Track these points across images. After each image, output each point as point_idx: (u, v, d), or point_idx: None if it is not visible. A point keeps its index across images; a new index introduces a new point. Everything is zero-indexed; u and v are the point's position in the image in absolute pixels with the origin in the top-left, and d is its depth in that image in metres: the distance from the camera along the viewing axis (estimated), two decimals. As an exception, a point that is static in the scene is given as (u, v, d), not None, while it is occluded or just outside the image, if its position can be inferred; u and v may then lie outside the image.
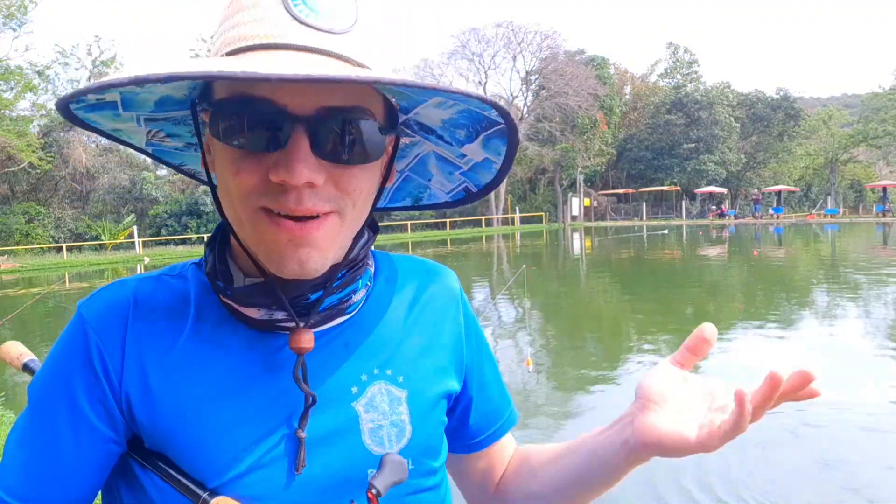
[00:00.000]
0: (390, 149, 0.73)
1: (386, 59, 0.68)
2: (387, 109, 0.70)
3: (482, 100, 0.63)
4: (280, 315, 0.69)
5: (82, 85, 0.59)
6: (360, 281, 0.74)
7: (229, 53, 0.63)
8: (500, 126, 0.69)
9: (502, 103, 0.78)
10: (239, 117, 0.61)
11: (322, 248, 0.64)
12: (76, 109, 0.66)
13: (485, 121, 0.70)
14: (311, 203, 0.62)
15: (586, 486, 0.80)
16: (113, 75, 0.53)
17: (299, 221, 0.62)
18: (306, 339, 0.67)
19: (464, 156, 0.77)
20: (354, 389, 0.72)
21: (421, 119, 0.75)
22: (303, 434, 0.67)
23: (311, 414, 0.68)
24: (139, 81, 0.52)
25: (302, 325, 0.68)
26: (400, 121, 0.74)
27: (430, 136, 0.77)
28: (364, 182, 0.66)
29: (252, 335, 0.71)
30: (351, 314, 0.75)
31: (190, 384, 0.69)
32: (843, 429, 4.93)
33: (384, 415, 0.72)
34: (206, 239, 0.76)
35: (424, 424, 0.75)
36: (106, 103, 0.67)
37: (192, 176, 0.87)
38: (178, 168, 0.86)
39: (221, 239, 0.74)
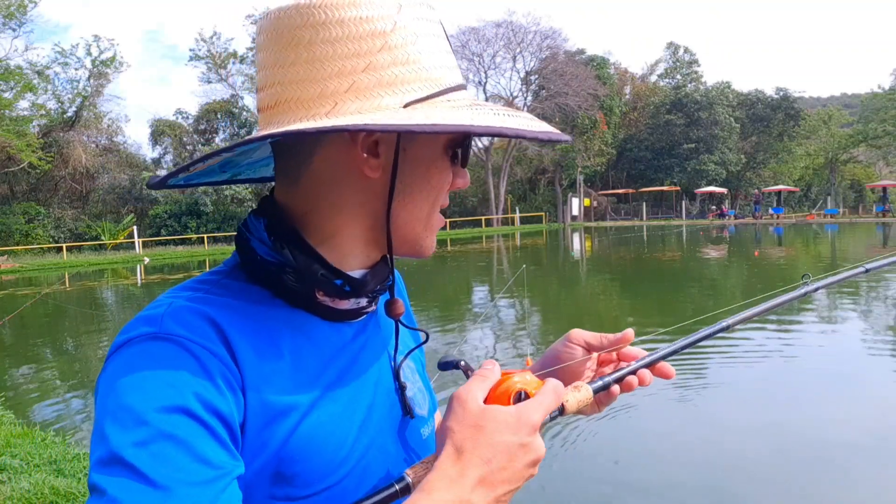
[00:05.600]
0: None
1: None
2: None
3: (568, 142, 0.74)
4: (364, 302, 0.76)
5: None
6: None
7: (429, 96, 0.68)
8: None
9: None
10: (466, 143, 0.75)
11: None
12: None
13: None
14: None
15: None
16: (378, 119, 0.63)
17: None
18: (401, 305, 0.79)
19: None
20: (394, 364, 0.82)
21: None
22: (404, 383, 0.80)
23: (375, 388, 0.77)
24: (442, 131, 0.65)
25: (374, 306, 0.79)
26: None
27: None
28: None
29: (325, 327, 0.75)
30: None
31: (309, 386, 0.70)
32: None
33: (414, 382, 0.83)
34: (250, 245, 0.75)
35: (430, 388, 0.88)
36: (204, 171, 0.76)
37: (231, 181, 0.89)
38: (230, 181, 0.88)
39: (288, 242, 0.73)
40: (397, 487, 0.66)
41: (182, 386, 0.60)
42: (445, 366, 0.79)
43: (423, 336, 0.86)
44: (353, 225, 0.74)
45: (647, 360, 0.83)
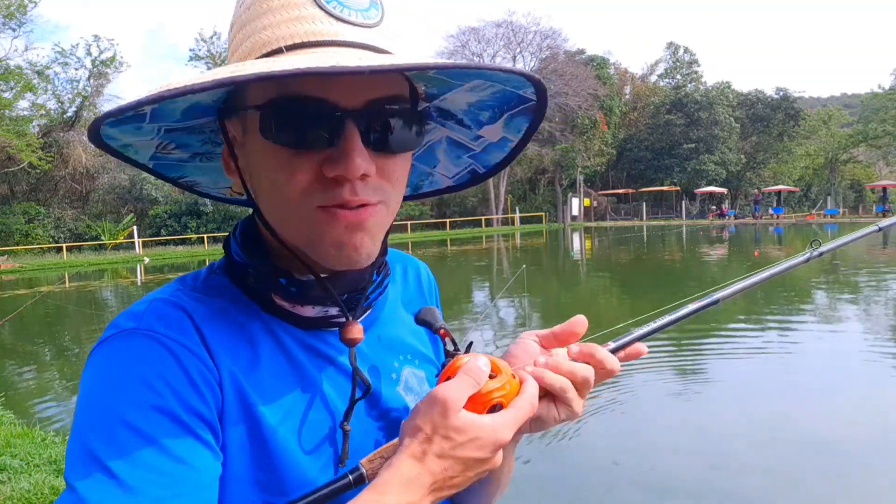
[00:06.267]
0: None
1: (410, 47, 0.68)
2: (412, 97, 0.69)
3: (529, 77, 0.65)
4: (334, 311, 0.71)
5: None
6: (389, 276, 0.80)
7: (266, 55, 0.63)
8: (529, 104, 0.71)
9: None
10: (292, 116, 0.61)
11: (373, 235, 0.66)
12: (105, 123, 0.63)
13: (515, 99, 0.71)
14: (364, 194, 0.63)
15: None
16: (172, 83, 0.53)
17: (351, 209, 0.64)
18: (357, 331, 0.70)
19: (479, 137, 0.78)
20: (394, 376, 0.77)
21: (445, 105, 0.76)
22: (347, 427, 0.69)
23: (367, 402, 0.72)
24: (221, 84, 0.52)
25: (351, 318, 0.71)
26: (420, 108, 0.74)
27: (449, 121, 0.78)
28: (404, 170, 0.69)
29: (299, 335, 0.71)
30: (372, 307, 0.78)
31: (279, 394, 0.67)
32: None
33: (418, 395, 0.77)
34: (229, 244, 0.74)
35: None
36: (136, 115, 0.65)
37: (188, 188, 0.84)
38: (175, 181, 0.83)
39: (250, 243, 0.72)
40: (351, 478, 0.63)
41: (159, 384, 0.59)
42: (423, 323, 0.73)
43: (354, 393, 0.70)
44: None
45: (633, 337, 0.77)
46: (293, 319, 0.71)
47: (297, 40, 0.62)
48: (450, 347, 0.69)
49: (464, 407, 0.62)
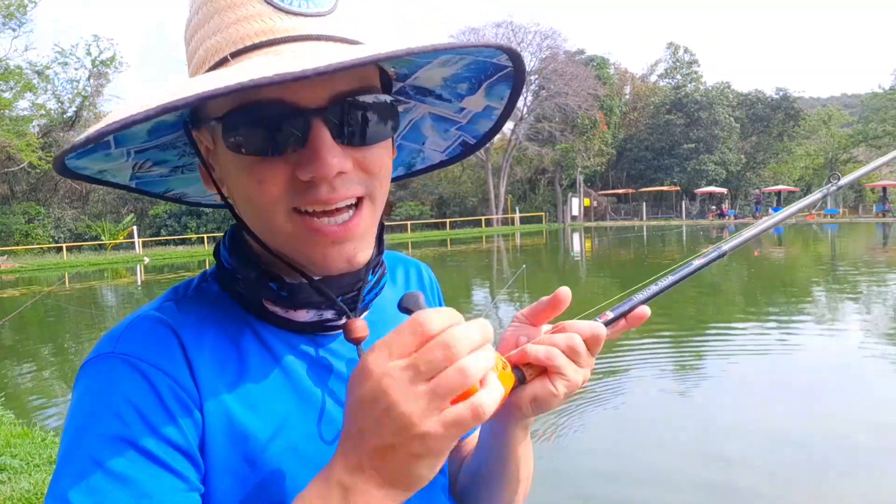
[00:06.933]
0: None
1: (373, 28, 0.65)
2: (382, 80, 0.67)
3: (497, 47, 0.62)
4: (329, 314, 0.68)
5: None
6: (387, 275, 0.77)
7: (220, 63, 0.61)
8: (506, 70, 0.68)
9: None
10: (254, 124, 0.59)
11: (364, 238, 0.64)
12: (67, 159, 0.60)
13: (491, 68, 0.68)
14: (345, 189, 0.61)
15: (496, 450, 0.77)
16: (116, 113, 0.50)
17: (338, 222, 0.61)
18: (362, 328, 0.67)
19: (462, 109, 0.76)
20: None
21: (420, 83, 0.73)
22: None
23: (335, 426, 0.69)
24: (157, 114, 0.49)
25: (353, 316, 0.68)
26: (395, 89, 0.72)
27: (428, 97, 0.76)
28: (385, 158, 0.66)
29: (294, 341, 0.69)
30: (368, 308, 0.76)
31: (271, 407, 0.64)
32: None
33: None
34: (218, 251, 0.73)
35: None
36: (99, 145, 0.62)
37: (177, 200, 0.83)
38: (162, 196, 0.81)
39: (238, 249, 0.70)
40: None
41: (128, 414, 0.57)
42: (405, 311, 0.63)
43: None
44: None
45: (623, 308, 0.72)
46: (287, 325, 0.68)
47: (248, 42, 0.59)
48: None
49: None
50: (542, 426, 5.04)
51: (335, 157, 0.58)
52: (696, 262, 0.78)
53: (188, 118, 0.66)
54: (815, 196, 0.91)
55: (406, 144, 0.83)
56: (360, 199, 0.63)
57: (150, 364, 0.60)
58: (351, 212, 0.62)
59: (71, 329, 12.24)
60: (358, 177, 0.62)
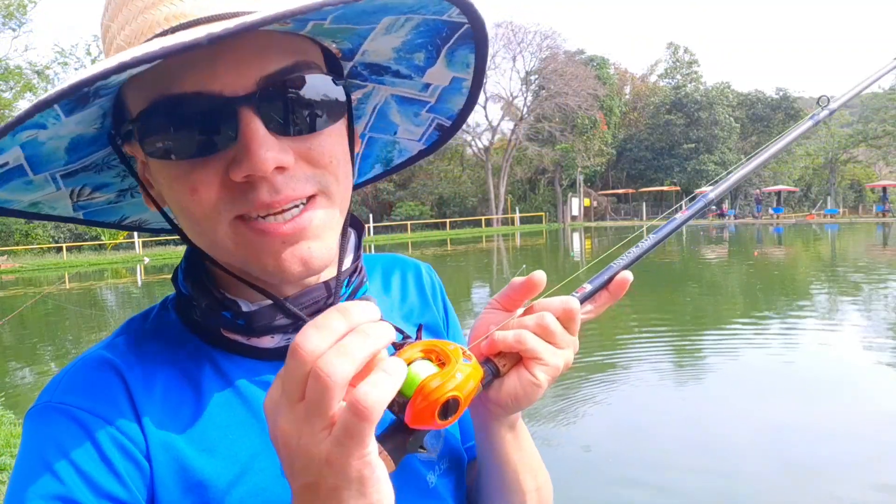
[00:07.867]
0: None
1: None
2: (328, 61, 0.60)
3: None
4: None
5: None
6: (367, 284, 0.69)
7: None
8: (463, 28, 0.58)
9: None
10: (173, 122, 0.51)
11: (320, 236, 0.56)
12: None
13: (444, 28, 0.58)
14: (290, 188, 0.53)
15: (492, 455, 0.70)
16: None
17: (287, 219, 0.54)
18: None
19: (428, 86, 0.67)
20: None
21: (370, 58, 0.64)
22: None
23: None
24: (28, 115, 0.42)
25: None
26: (346, 71, 0.65)
27: (385, 76, 0.67)
28: (335, 147, 0.57)
29: (260, 368, 0.62)
30: None
31: (232, 448, 0.58)
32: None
33: None
34: (176, 276, 0.65)
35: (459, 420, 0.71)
36: (10, 171, 0.55)
37: (138, 229, 0.75)
38: (119, 226, 0.73)
39: (194, 272, 0.63)
40: None
41: (64, 470, 0.52)
42: None
43: None
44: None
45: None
46: (251, 352, 0.61)
47: (158, 30, 0.52)
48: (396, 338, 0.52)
49: (407, 411, 0.47)
50: (543, 428, 5.04)
51: (269, 151, 0.50)
52: (681, 216, 0.72)
53: (111, 129, 0.58)
54: (806, 125, 0.85)
55: (377, 137, 0.76)
56: (311, 199, 0.55)
57: (88, 412, 0.55)
58: (301, 206, 0.55)
59: (71, 329, 12.24)
60: (304, 172, 0.54)
